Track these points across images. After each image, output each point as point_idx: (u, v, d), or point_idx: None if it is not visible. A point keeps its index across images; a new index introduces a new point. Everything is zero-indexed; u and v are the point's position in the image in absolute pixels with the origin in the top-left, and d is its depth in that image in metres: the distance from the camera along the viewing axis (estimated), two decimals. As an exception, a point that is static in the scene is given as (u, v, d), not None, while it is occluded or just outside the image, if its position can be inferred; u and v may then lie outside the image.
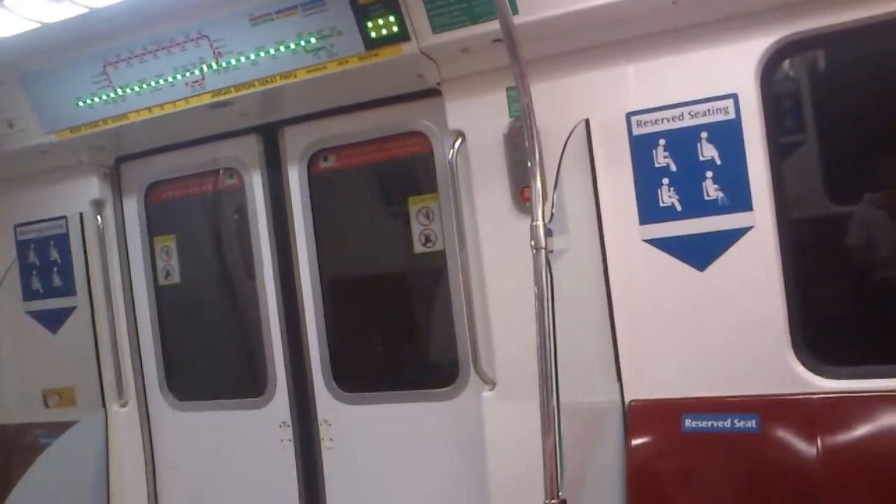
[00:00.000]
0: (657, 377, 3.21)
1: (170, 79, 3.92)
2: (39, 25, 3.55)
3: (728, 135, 3.06)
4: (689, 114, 3.12)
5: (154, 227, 4.72)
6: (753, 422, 2.99)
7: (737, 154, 3.05)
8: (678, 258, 3.16)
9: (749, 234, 3.05)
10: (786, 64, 3.20)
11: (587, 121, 3.26)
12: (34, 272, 4.77)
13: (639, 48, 3.19)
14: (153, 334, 4.71)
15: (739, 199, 3.05)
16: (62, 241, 4.67)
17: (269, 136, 4.34)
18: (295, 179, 4.27)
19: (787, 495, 2.93)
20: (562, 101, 3.29)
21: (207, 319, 4.79)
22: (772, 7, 2.97)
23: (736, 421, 3.01)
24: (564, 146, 3.15)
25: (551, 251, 2.77)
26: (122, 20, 3.67)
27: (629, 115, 3.22)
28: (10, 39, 3.67)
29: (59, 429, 4.53)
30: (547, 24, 3.14)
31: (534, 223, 2.76)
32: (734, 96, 3.05)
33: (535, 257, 2.74)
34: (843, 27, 2.92)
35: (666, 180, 3.17)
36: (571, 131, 3.21)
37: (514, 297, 3.32)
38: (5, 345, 4.88)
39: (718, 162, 3.08)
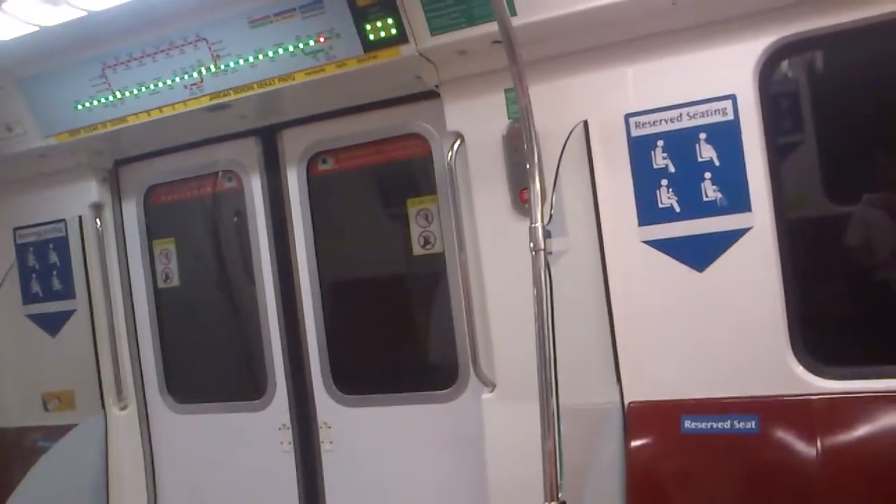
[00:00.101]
0: (657, 378, 3.21)
1: (168, 82, 3.92)
2: (38, 29, 3.55)
3: (726, 136, 3.06)
4: (688, 115, 3.12)
5: (153, 230, 4.73)
6: (753, 423, 2.99)
7: (735, 155, 3.05)
8: (677, 259, 3.16)
9: (748, 234, 3.05)
10: (784, 65, 3.21)
11: (586, 122, 3.27)
12: (33, 275, 4.77)
13: (637, 49, 3.19)
14: (152, 337, 4.71)
15: (738, 199, 3.05)
16: (61, 244, 4.67)
17: (268, 139, 4.34)
18: (294, 182, 4.27)
19: (787, 496, 2.93)
20: (560, 102, 3.29)
21: (207, 322, 4.79)
22: (770, 8, 2.97)
23: (735, 422, 3.01)
24: (563, 148, 3.15)
25: (550, 253, 2.77)
26: (121, 23, 3.67)
27: (628, 117, 3.22)
28: (9, 43, 3.67)
29: (58, 432, 4.53)
30: (545, 25, 3.14)
31: (533, 225, 2.75)
32: (732, 97, 3.05)
33: (535, 259, 2.74)
34: (841, 28, 2.92)
35: (665, 181, 3.17)
36: (570, 133, 3.21)
37: (513, 299, 3.32)
38: (5, 348, 4.87)
39: (717, 163, 3.08)
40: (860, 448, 2.85)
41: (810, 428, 2.91)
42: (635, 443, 3.16)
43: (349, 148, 4.16)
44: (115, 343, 4.57)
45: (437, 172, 3.87)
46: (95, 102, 4.12)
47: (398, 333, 4.30)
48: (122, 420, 4.61)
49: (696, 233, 3.12)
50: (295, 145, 4.27)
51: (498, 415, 3.50)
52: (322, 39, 3.55)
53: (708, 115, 3.09)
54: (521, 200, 3.39)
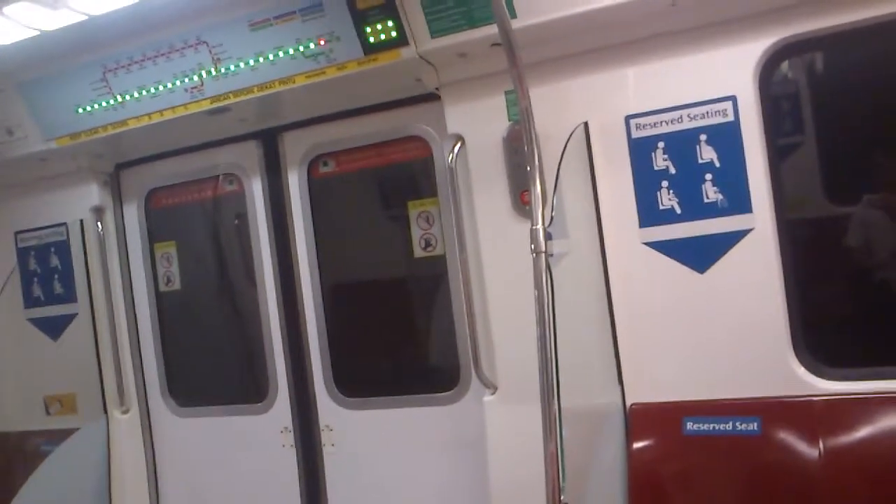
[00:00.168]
0: (658, 380, 3.21)
1: (169, 85, 3.92)
2: (38, 33, 3.56)
3: (727, 137, 3.06)
4: (688, 116, 3.12)
5: (154, 233, 4.73)
6: (755, 424, 2.98)
7: (736, 156, 3.05)
8: (678, 261, 3.16)
9: (749, 236, 3.05)
10: (784, 66, 3.20)
11: (586, 124, 3.27)
12: (35, 279, 4.77)
13: (637, 51, 3.19)
14: (154, 340, 4.71)
15: (739, 201, 3.05)
16: (63, 248, 4.67)
17: (269, 142, 4.35)
18: (295, 184, 4.27)
19: (790, 497, 2.93)
20: (561, 104, 3.29)
21: (208, 325, 4.79)
22: (770, 9, 2.97)
23: (737, 423, 3.01)
24: (564, 149, 3.15)
25: (551, 255, 2.77)
26: (121, 27, 3.67)
27: (628, 118, 3.22)
28: (10, 47, 3.68)
29: (60, 436, 4.53)
30: (545, 27, 3.14)
31: (534, 227, 2.75)
32: (733, 98, 3.05)
33: (536, 261, 2.74)
34: (841, 29, 2.92)
35: (665, 183, 3.17)
36: (570, 135, 3.21)
37: (514, 301, 3.32)
38: (7, 352, 4.88)
39: (718, 164, 3.08)
40: (862, 449, 2.85)
41: (812, 429, 2.91)
42: (637, 445, 3.16)
43: (350, 150, 4.17)
44: (117, 346, 4.57)
45: (438, 175, 3.87)
46: (96, 106, 4.12)
47: (399, 336, 4.30)
48: (124, 423, 4.61)
49: (697, 234, 3.12)
50: (296, 148, 4.27)
51: (499, 417, 3.50)
52: (322, 42, 3.55)
53: (708, 117, 3.09)
54: (521, 202, 3.39)
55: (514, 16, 3.06)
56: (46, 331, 4.75)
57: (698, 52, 3.10)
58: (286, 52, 3.63)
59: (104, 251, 4.59)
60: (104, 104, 4.10)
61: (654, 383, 3.21)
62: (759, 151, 3.03)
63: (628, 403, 3.23)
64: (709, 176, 3.09)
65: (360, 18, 3.43)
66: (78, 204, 4.60)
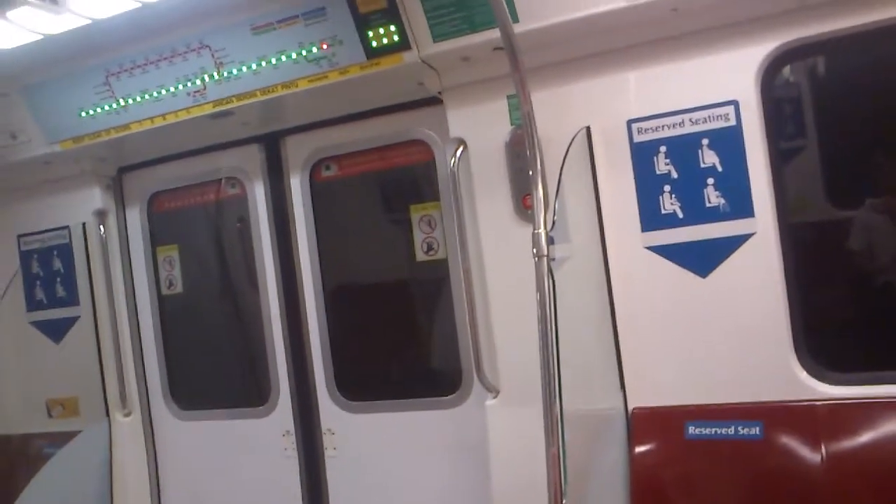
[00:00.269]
0: (660, 384, 3.20)
1: (172, 89, 3.93)
2: (42, 37, 3.56)
3: (729, 141, 3.06)
4: (690, 121, 3.12)
5: (157, 236, 4.74)
6: (757, 429, 2.98)
7: (738, 160, 3.05)
8: (680, 265, 3.16)
9: (751, 240, 3.04)
10: (786, 70, 3.20)
11: (588, 128, 3.27)
12: (37, 282, 4.79)
13: (639, 55, 3.20)
14: (156, 344, 4.72)
15: (741, 205, 3.05)
16: (65, 251, 4.68)
17: (271, 146, 4.35)
18: (297, 188, 4.28)
19: (792, 502, 2.92)
20: (563, 108, 3.29)
21: (210, 329, 4.79)
22: (771, 14, 2.97)
23: (740, 428, 3.01)
24: (566, 154, 3.15)
25: (553, 259, 2.77)
26: (124, 31, 3.68)
27: (630, 123, 3.22)
28: (13, 51, 3.68)
29: (62, 439, 4.55)
30: (547, 32, 3.15)
31: (536, 231, 2.76)
32: (735, 103, 3.05)
33: (538, 265, 2.74)
34: (843, 33, 2.92)
35: (667, 187, 3.17)
36: (572, 139, 3.21)
37: (516, 305, 3.31)
38: (9, 355, 4.89)
39: (720, 168, 3.08)
40: (865, 454, 2.85)
41: (814, 434, 2.90)
42: (639, 449, 3.16)
43: (352, 154, 4.17)
44: (119, 350, 4.58)
45: (440, 179, 3.87)
46: (99, 110, 4.13)
47: (401, 339, 4.30)
48: (126, 427, 4.61)
49: (699, 238, 3.12)
50: (298, 152, 4.28)
51: (502, 421, 3.50)
52: (325, 46, 3.56)
53: (710, 121, 3.09)
54: (523, 206, 3.39)
55: (516, 20, 3.07)
56: (49, 334, 4.76)
57: (700, 56, 3.10)
58: (289, 56, 3.64)
59: (107, 254, 4.60)
60: (107, 108, 4.11)
61: (656, 387, 3.21)
62: (761, 156, 3.03)
63: (630, 407, 3.23)
64: (711, 180, 3.09)
65: (363, 22, 3.44)
66: (81, 207, 4.61)
